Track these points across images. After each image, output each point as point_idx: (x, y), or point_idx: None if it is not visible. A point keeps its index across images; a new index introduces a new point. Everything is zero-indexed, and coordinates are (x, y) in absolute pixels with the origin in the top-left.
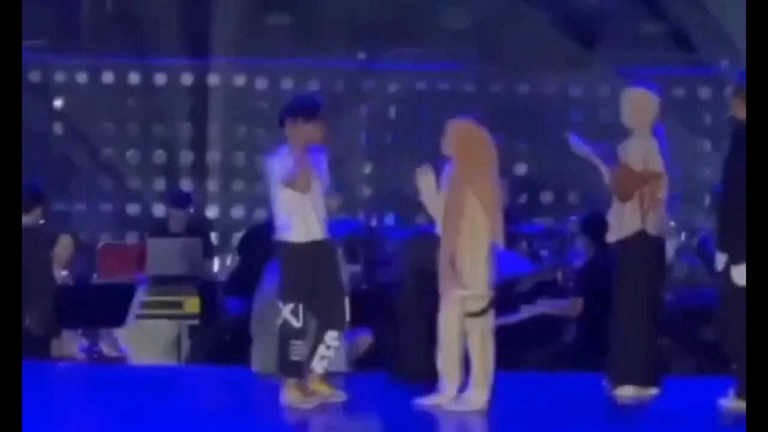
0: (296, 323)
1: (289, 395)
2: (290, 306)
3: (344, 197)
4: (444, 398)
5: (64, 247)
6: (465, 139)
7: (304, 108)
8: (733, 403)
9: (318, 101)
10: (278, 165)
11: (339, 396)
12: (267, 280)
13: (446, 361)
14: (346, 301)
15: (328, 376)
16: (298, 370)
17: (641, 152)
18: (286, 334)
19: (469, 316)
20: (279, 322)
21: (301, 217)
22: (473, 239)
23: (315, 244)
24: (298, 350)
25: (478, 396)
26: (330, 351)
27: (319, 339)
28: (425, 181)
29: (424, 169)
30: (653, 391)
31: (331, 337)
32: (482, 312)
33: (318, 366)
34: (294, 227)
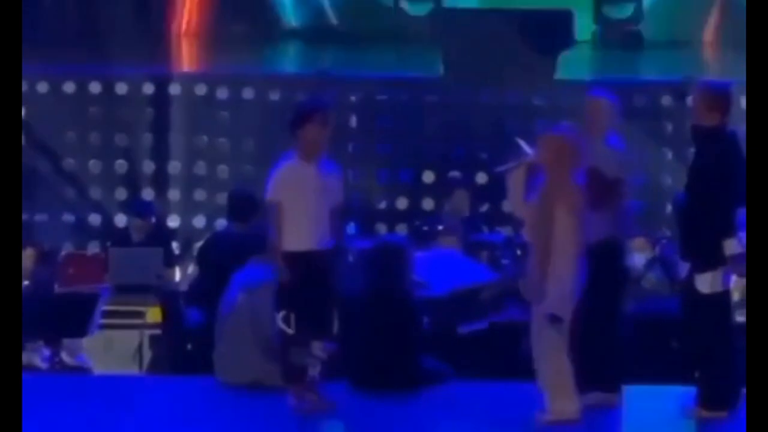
0: (289, 330)
1: (293, 399)
2: (282, 313)
3: None
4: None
5: (26, 259)
6: (554, 150)
7: (315, 110)
8: (695, 411)
9: (324, 101)
10: (285, 174)
11: (327, 405)
12: (233, 287)
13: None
14: (335, 312)
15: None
16: (299, 375)
17: (608, 159)
18: (283, 341)
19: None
20: (276, 328)
21: (297, 226)
22: (563, 249)
23: (310, 254)
24: (297, 356)
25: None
26: (313, 360)
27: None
28: (515, 180)
29: (516, 168)
30: (618, 397)
31: (316, 347)
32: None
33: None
34: (290, 236)
